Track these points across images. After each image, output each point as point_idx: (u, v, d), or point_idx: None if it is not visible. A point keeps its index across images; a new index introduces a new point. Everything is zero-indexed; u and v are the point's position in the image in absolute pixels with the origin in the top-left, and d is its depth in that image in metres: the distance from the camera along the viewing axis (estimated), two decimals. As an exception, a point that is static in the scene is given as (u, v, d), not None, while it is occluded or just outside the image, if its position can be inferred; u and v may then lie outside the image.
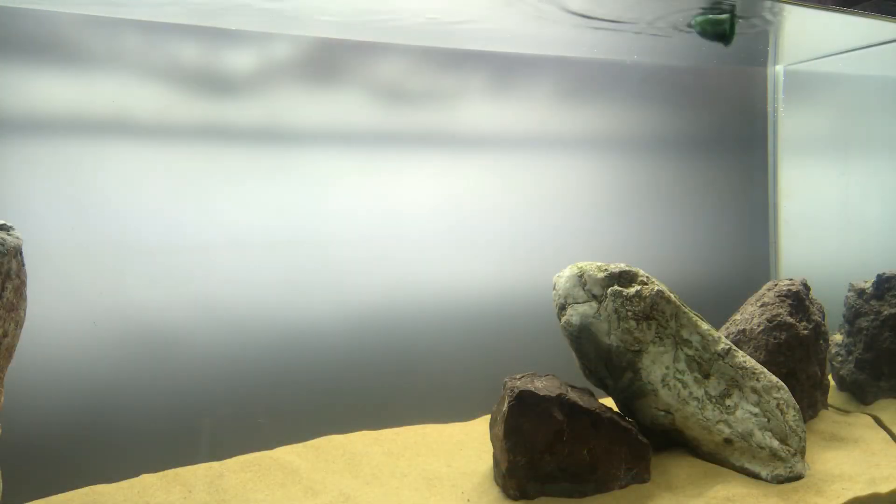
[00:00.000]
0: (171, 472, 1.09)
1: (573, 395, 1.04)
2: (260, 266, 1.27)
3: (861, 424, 1.29)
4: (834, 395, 1.43)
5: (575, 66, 1.55)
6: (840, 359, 1.44)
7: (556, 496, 1.01)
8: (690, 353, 1.11)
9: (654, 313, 1.10)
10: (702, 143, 1.72)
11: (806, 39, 1.53)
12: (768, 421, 1.10)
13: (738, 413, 1.10)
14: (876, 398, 1.38)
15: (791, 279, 1.35)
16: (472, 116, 1.45)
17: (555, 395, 1.02)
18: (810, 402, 1.29)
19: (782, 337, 1.25)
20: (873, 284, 1.42)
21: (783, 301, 1.30)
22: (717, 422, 1.09)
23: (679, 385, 1.09)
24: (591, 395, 1.09)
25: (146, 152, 1.18)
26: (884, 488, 1.03)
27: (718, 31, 1.31)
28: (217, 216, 1.24)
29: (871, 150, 1.87)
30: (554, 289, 1.16)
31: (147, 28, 1.17)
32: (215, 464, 1.13)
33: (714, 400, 1.10)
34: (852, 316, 1.44)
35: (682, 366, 1.10)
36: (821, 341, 1.33)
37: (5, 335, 0.82)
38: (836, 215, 1.86)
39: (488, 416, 1.14)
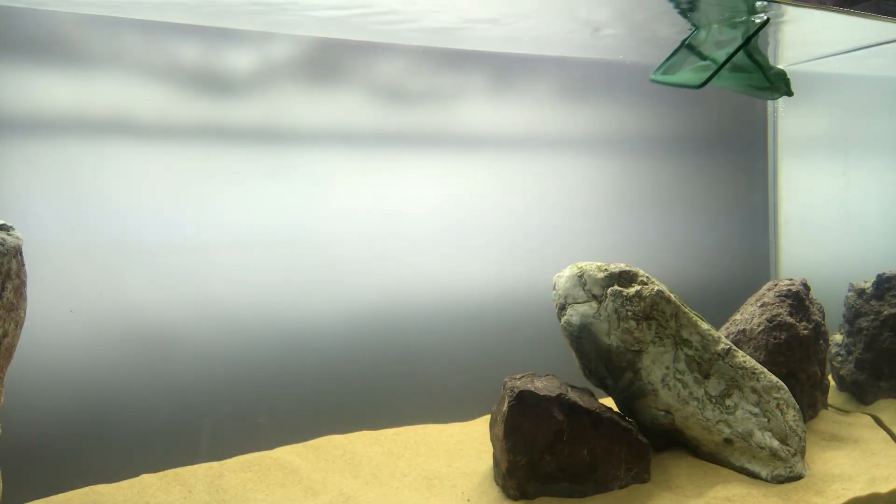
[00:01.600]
0: (171, 472, 1.09)
1: (573, 395, 1.04)
2: (260, 266, 1.27)
3: (861, 424, 1.29)
4: (834, 395, 1.43)
5: (575, 66, 1.54)
6: (840, 359, 1.44)
7: (556, 496, 1.01)
8: (690, 353, 1.11)
9: (654, 313, 1.10)
10: (702, 144, 1.72)
11: (806, 39, 1.53)
12: (768, 421, 1.10)
13: (738, 413, 1.10)
14: (876, 398, 1.38)
15: (791, 279, 1.35)
16: (472, 116, 1.45)
17: (555, 395, 1.02)
18: (810, 402, 1.29)
19: (782, 337, 1.25)
20: (873, 284, 1.42)
21: (783, 301, 1.30)
22: (717, 422, 1.09)
23: (679, 385, 1.09)
24: (591, 395, 1.09)
25: (146, 152, 1.18)
26: (884, 488, 1.03)
27: (778, 86, 1.23)
28: (217, 216, 1.24)
29: (871, 150, 1.87)
30: (554, 289, 1.16)
31: (147, 28, 1.17)
32: (215, 464, 1.13)
33: (714, 400, 1.10)
34: (852, 316, 1.44)
35: (682, 366, 1.10)
36: (821, 341, 1.33)
37: (5, 335, 0.82)
38: (836, 215, 1.86)
39: (488, 416, 1.14)
